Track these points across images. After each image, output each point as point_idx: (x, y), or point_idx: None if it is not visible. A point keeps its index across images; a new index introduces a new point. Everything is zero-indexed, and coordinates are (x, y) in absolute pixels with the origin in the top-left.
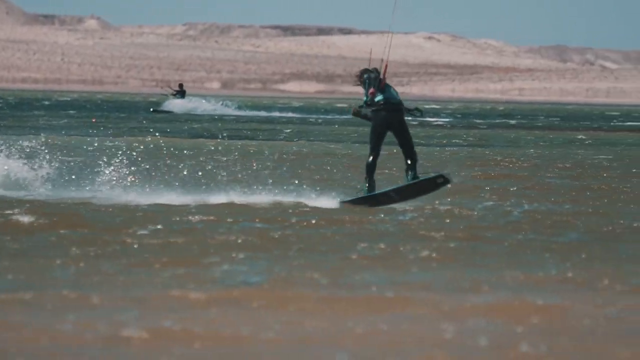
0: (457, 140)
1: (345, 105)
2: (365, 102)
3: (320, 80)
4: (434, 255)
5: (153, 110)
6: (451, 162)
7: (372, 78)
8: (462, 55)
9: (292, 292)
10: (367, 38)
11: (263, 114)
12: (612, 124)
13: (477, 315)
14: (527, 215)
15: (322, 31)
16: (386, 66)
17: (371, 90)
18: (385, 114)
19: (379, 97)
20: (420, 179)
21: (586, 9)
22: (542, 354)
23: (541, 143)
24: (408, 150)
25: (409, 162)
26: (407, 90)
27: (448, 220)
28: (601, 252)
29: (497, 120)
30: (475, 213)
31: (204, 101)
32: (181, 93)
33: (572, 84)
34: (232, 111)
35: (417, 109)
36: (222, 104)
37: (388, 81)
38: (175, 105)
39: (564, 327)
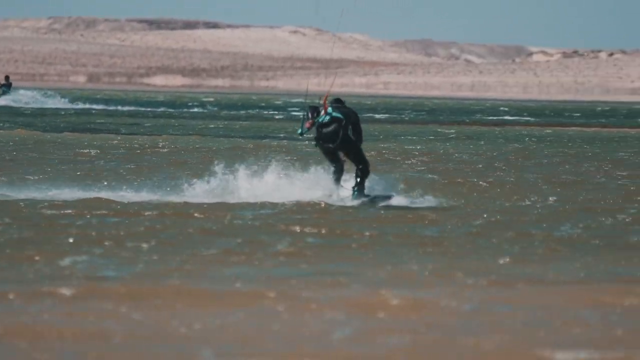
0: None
1: (212, 99)
2: (300, 133)
3: (186, 74)
4: (293, 249)
5: None
6: (314, 156)
7: (313, 112)
8: (327, 49)
9: (151, 287)
10: (232, 32)
11: (101, 106)
12: (476, 117)
13: (338, 309)
14: (389, 210)
15: (187, 25)
16: (325, 98)
17: (308, 123)
18: (316, 141)
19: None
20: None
21: (451, 3)
22: (405, 347)
23: (405, 137)
24: (356, 165)
25: (358, 172)
26: (272, 84)
27: (308, 215)
28: (462, 245)
29: (364, 115)
30: (337, 207)
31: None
32: (7, 86)
33: (437, 78)
34: (65, 104)
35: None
36: (67, 101)
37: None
38: (20, 98)
39: (426, 320)
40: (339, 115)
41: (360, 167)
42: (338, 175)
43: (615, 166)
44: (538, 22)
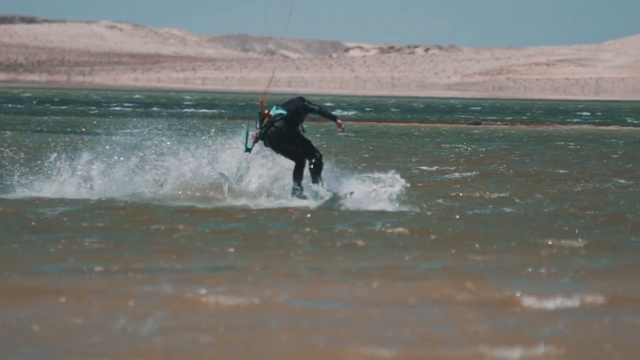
0: (139, 130)
1: (29, 94)
2: (247, 149)
3: (2, 69)
4: (103, 245)
5: None
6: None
7: (261, 121)
8: (144, 45)
9: None
10: (49, 27)
11: None
12: None
13: (147, 305)
14: (200, 205)
15: (3, 20)
16: (262, 101)
17: (254, 136)
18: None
19: None
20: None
21: None
22: (217, 344)
23: (224, 132)
24: (309, 156)
25: (311, 166)
26: (89, 79)
27: (119, 211)
28: (277, 241)
29: (184, 110)
30: (146, 202)
31: None
32: None
33: (254, 73)
34: None
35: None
36: None
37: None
38: None
39: (240, 316)
40: (280, 111)
41: (316, 154)
42: (301, 169)
43: (426, 160)
44: (354, 18)
